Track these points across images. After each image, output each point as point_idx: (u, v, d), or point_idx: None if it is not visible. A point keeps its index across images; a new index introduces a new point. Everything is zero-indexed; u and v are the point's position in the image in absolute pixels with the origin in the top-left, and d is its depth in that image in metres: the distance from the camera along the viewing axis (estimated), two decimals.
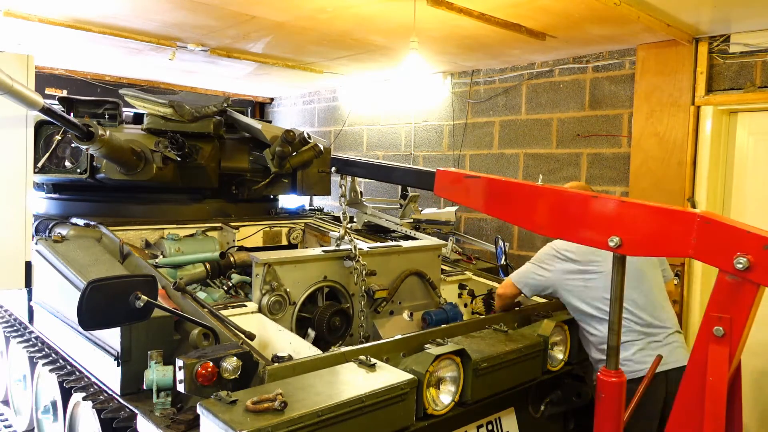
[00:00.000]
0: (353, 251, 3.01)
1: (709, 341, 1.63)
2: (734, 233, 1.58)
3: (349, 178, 4.14)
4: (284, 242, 4.23)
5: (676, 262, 4.15)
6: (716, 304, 1.63)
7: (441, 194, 2.48)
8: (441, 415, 2.34)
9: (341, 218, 3.09)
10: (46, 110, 2.68)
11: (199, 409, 1.85)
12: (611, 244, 1.80)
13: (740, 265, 1.55)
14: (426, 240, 3.82)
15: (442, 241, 3.73)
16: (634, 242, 1.77)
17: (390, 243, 3.64)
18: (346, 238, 3.14)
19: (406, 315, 3.33)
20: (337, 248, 3.10)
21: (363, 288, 3.06)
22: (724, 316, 1.61)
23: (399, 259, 3.31)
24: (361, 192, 5.02)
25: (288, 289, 2.86)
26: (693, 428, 1.66)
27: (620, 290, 1.85)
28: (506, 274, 4.55)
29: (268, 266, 2.79)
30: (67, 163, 3.70)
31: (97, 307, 2.07)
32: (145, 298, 2.13)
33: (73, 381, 2.87)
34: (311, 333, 2.93)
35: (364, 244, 3.15)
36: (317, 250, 3.14)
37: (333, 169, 3.08)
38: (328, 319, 2.88)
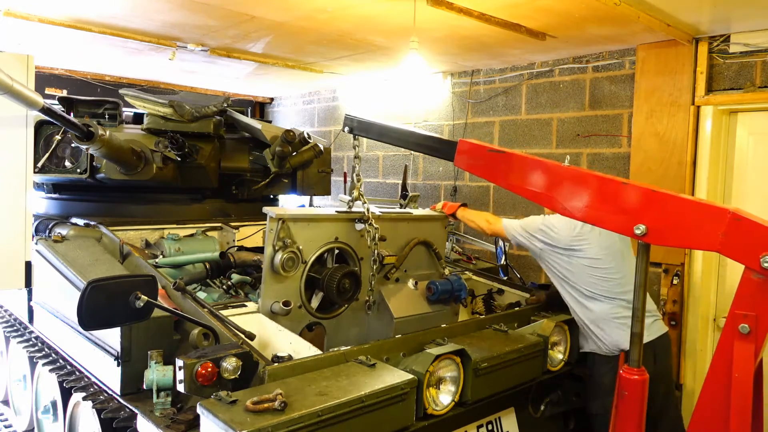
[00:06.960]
0: (366, 213, 2.96)
1: (734, 338, 1.65)
2: (764, 232, 1.59)
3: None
4: None
5: (675, 262, 4.15)
6: (742, 301, 1.65)
7: (460, 165, 2.41)
8: (441, 415, 2.34)
9: (354, 180, 3.04)
10: (46, 110, 2.68)
11: (199, 409, 1.85)
12: (637, 232, 1.80)
13: (767, 264, 1.55)
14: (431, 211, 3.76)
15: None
16: (660, 232, 1.78)
17: (399, 209, 3.58)
18: (358, 201, 3.06)
19: (411, 284, 3.29)
20: (349, 210, 3.04)
21: (376, 252, 3.00)
22: (749, 313, 1.62)
23: (407, 226, 3.28)
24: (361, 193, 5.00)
25: (300, 247, 2.79)
26: (718, 422, 1.68)
27: (644, 277, 1.84)
28: (506, 274, 4.56)
29: (282, 222, 2.71)
30: (67, 163, 3.69)
31: (97, 307, 2.07)
32: (145, 298, 2.13)
33: (73, 381, 2.87)
34: (318, 294, 2.88)
35: (375, 209, 3.09)
36: (330, 210, 3.09)
37: (346, 129, 3.02)
38: (339, 281, 2.82)
